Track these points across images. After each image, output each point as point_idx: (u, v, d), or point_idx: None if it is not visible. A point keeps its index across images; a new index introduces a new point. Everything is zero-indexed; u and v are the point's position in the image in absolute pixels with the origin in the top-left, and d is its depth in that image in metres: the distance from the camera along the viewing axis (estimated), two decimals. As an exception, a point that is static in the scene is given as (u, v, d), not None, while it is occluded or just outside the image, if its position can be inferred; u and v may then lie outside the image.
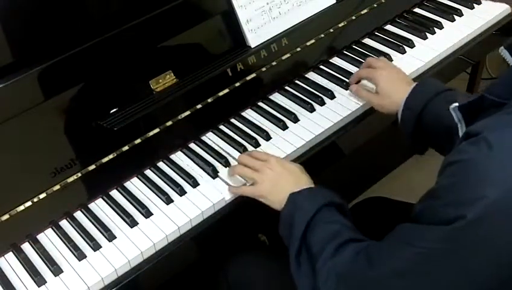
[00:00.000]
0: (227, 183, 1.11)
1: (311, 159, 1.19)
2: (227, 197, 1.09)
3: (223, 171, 1.14)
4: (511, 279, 0.69)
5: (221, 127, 1.24)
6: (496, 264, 0.68)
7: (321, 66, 1.38)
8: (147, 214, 1.07)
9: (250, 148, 1.18)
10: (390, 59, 1.38)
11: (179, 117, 1.19)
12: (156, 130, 1.16)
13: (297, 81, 1.34)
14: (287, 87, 1.33)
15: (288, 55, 1.32)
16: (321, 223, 0.93)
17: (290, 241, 0.95)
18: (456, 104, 0.85)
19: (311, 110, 1.26)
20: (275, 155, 1.11)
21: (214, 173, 1.13)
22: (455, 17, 1.49)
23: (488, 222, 0.66)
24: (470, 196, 0.67)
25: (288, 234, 0.96)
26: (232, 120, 1.25)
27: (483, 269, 0.69)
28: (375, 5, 1.46)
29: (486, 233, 0.67)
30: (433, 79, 1.20)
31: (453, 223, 0.68)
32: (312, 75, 1.36)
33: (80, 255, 1.01)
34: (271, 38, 1.29)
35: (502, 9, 1.48)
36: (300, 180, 1.04)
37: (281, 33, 1.30)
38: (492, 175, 0.66)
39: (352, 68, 1.36)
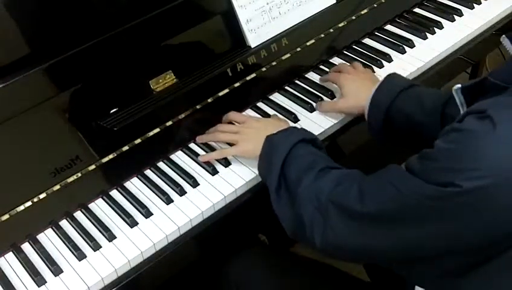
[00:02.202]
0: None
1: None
2: (228, 197, 1.09)
3: (223, 171, 1.14)
4: (489, 245, 0.74)
5: (221, 127, 1.24)
6: (479, 233, 0.72)
7: (321, 66, 1.38)
8: (147, 214, 1.07)
9: (250, 148, 1.18)
10: (390, 59, 1.38)
11: (179, 117, 1.19)
12: (156, 130, 1.16)
13: (297, 81, 1.34)
14: (287, 87, 1.33)
15: (288, 55, 1.32)
16: (297, 156, 0.98)
17: (269, 179, 0.99)
18: (459, 85, 0.86)
19: (311, 110, 1.26)
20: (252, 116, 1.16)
21: (213, 173, 1.13)
22: (455, 17, 1.49)
23: (483, 194, 0.69)
24: (467, 165, 0.70)
25: (266, 173, 1.01)
26: (232, 120, 1.25)
27: (470, 231, 0.73)
28: (375, 5, 1.46)
29: (481, 204, 0.70)
30: (398, 75, 1.20)
31: (445, 187, 0.71)
32: (312, 75, 1.36)
33: (80, 255, 1.01)
34: (271, 38, 1.29)
35: (502, 9, 1.48)
36: (279, 126, 1.08)
37: (281, 33, 1.30)
38: (491, 152, 0.69)
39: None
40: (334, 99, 1.27)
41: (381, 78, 1.18)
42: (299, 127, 1.21)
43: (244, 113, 1.26)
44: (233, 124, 1.19)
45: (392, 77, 1.17)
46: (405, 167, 0.81)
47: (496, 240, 0.73)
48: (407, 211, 0.77)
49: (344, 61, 1.38)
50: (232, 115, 1.19)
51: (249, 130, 1.12)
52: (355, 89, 1.19)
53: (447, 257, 0.79)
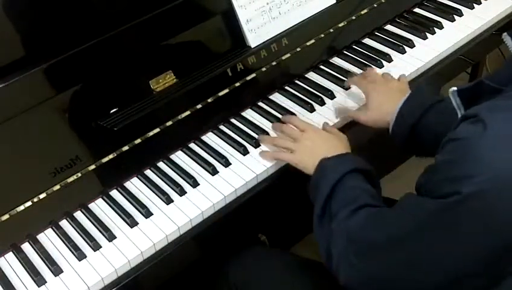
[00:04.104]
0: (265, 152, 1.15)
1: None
2: (228, 197, 1.09)
3: (223, 171, 1.14)
4: (498, 257, 0.72)
5: (221, 127, 1.24)
6: (486, 239, 0.71)
7: (321, 66, 1.38)
8: (147, 214, 1.07)
9: (250, 148, 1.18)
10: (390, 59, 1.38)
11: (179, 117, 1.19)
12: (156, 130, 1.16)
13: (297, 81, 1.34)
14: (287, 87, 1.33)
15: (288, 55, 1.32)
16: (344, 188, 0.96)
17: (315, 205, 0.98)
18: (455, 88, 0.86)
19: (311, 110, 1.26)
20: (313, 124, 1.17)
21: (213, 173, 1.13)
22: (455, 17, 1.49)
23: (481, 199, 0.69)
24: (464, 172, 0.70)
25: (314, 197, 1.00)
26: (232, 120, 1.25)
27: (474, 243, 0.72)
28: (375, 5, 1.46)
29: (479, 210, 0.70)
30: (426, 87, 1.19)
31: (449, 197, 0.71)
32: (312, 75, 1.36)
33: (80, 255, 1.01)
34: (271, 38, 1.29)
35: (502, 9, 1.48)
36: (335, 148, 1.07)
37: (281, 33, 1.30)
38: (485, 155, 0.70)
39: (352, 68, 1.36)
40: (358, 108, 1.24)
41: (409, 89, 1.15)
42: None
43: (244, 113, 1.27)
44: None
45: (421, 90, 1.15)
46: (415, 187, 0.82)
47: (496, 255, 0.72)
48: (414, 232, 0.77)
49: (344, 61, 1.39)
50: (294, 119, 1.18)
51: (306, 142, 1.10)
52: (380, 101, 1.16)
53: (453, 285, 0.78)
